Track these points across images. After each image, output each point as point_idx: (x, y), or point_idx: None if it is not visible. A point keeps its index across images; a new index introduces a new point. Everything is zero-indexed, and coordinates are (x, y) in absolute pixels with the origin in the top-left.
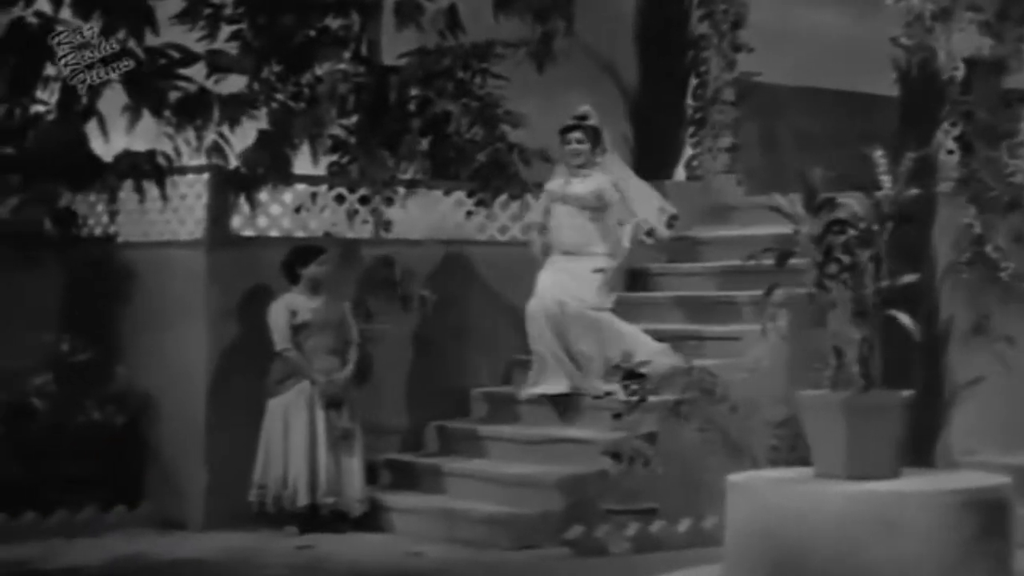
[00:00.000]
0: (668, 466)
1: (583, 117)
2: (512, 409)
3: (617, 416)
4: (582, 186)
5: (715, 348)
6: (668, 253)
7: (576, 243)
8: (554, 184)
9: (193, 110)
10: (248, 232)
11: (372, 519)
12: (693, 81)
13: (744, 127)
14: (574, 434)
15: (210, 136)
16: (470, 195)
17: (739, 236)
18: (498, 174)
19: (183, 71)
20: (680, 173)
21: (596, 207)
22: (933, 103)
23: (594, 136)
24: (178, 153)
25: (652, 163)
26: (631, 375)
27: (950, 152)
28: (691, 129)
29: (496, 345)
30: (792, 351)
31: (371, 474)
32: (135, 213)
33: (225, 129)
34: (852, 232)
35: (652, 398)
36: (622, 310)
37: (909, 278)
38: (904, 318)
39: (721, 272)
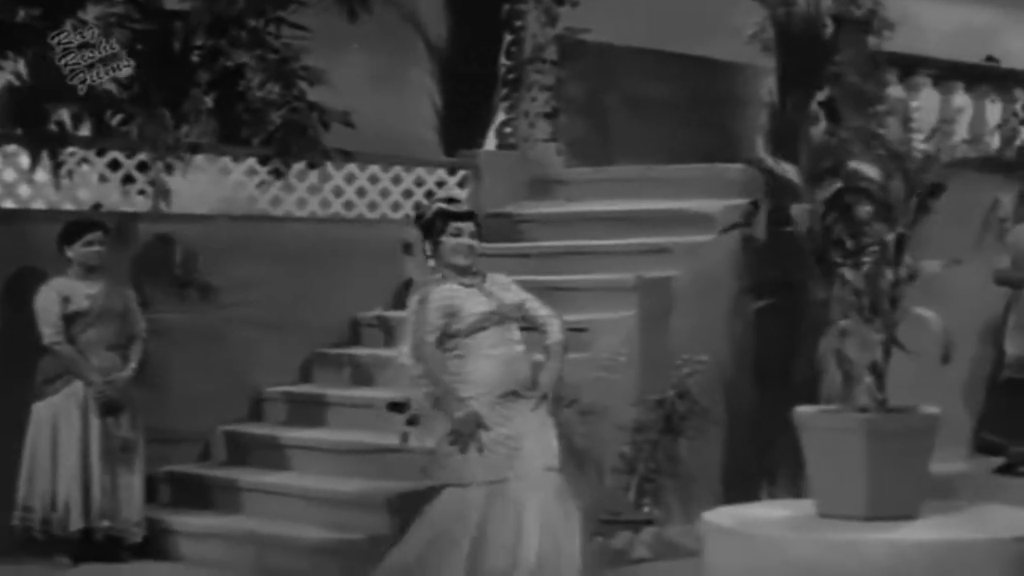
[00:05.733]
0: None
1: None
2: (316, 411)
3: None
4: (511, 295)
5: None
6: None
7: (518, 381)
8: (464, 296)
9: None
10: (8, 204)
11: (155, 544)
12: (508, 37)
13: (567, 90)
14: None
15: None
16: (263, 162)
17: (565, 213)
18: (296, 138)
19: None
20: (491, 141)
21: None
22: (812, 65)
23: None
24: None
25: (461, 129)
26: None
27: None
28: (504, 91)
29: (294, 338)
30: (644, 345)
31: (150, 490)
32: None
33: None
34: (867, 208)
35: None
36: None
37: (932, 265)
38: (934, 317)
39: (550, 254)
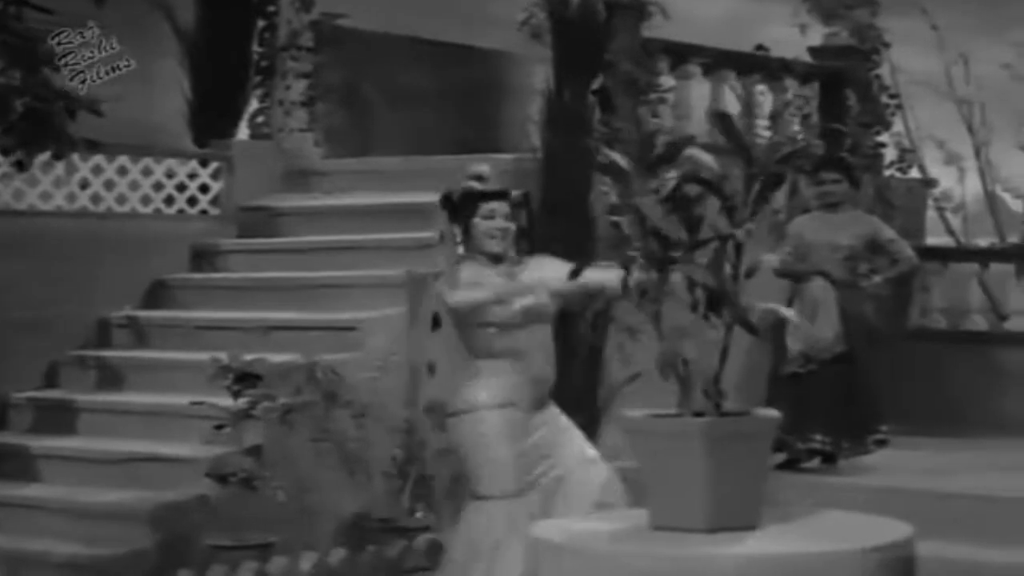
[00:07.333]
0: (281, 487)
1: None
2: (66, 419)
3: (219, 428)
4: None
5: (317, 340)
6: (237, 226)
7: (547, 378)
8: (488, 275)
9: None
10: None
11: None
12: (261, 23)
13: (324, 78)
14: (164, 451)
15: None
16: (4, 153)
17: (325, 207)
18: (39, 127)
19: None
20: (244, 131)
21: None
22: (588, 52)
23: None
24: None
25: (212, 119)
26: (243, 377)
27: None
28: (257, 79)
29: (38, 340)
30: (417, 344)
31: None
32: None
33: None
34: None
35: (266, 403)
36: (187, 295)
37: (771, 259)
38: (790, 313)
39: (312, 249)
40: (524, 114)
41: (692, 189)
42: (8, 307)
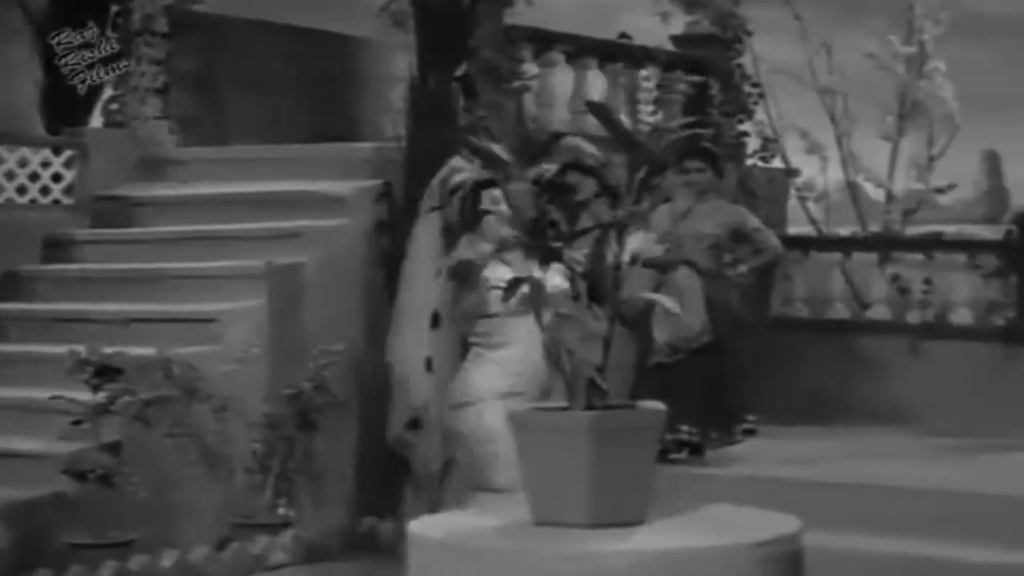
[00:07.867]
0: (141, 484)
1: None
2: None
3: (77, 423)
4: None
5: (177, 333)
6: (91, 216)
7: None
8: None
9: None
10: None
11: None
12: (114, 7)
13: (178, 65)
14: (19, 447)
15: None
16: None
17: (182, 196)
18: None
19: None
20: (98, 118)
21: None
22: (453, 39)
23: None
24: None
25: (64, 106)
26: (103, 371)
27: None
28: (111, 65)
29: None
30: (276, 336)
31: None
32: None
33: None
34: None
35: (127, 398)
36: (42, 287)
37: (656, 248)
38: (668, 302)
39: (169, 239)
40: (386, 102)
41: (574, 177)
42: None
